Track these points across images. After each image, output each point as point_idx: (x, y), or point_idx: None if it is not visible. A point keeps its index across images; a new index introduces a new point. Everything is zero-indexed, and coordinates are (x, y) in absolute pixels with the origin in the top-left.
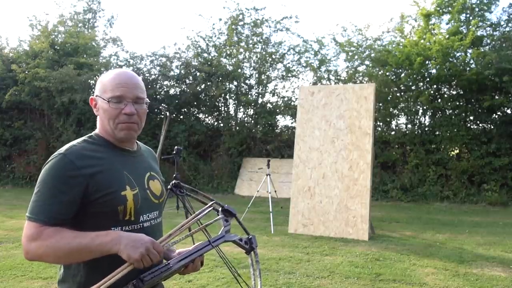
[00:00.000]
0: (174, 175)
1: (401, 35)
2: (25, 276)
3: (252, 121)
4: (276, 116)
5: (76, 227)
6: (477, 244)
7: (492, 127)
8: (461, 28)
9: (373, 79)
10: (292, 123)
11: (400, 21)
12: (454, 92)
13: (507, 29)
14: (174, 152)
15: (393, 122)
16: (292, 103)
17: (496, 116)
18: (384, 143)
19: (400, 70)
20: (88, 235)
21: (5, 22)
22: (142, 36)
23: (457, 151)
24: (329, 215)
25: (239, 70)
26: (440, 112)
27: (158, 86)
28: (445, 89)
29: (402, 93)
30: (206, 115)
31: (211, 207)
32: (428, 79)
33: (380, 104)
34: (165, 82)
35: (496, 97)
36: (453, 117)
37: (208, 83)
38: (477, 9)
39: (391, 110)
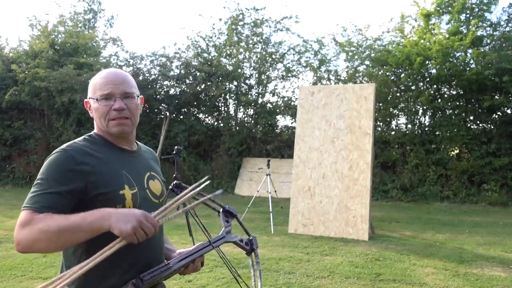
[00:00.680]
0: (174, 175)
1: (401, 35)
2: (25, 276)
3: (252, 121)
4: (276, 116)
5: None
6: (477, 244)
7: (492, 127)
8: (461, 28)
9: (373, 79)
10: (292, 123)
11: (400, 21)
12: (454, 92)
13: (507, 29)
14: (174, 152)
15: (393, 122)
16: (292, 103)
17: (496, 116)
18: (384, 143)
19: (400, 70)
20: (78, 215)
21: (5, 22)
22: (142, 36)
23: (457, 151)
24: (329, 215)
25: (239, 70)
26: (440, 112)
27: (158, 86)
28: (445, 89)
29: (402, 93)
30: (206, 115)
31: (206, 182)
32: (428, 79)
33: (380, 104)
34: (165, 82)
35: (496, 97)
36: (453, 117)
37: (208, 83)
38: (477, 9)
39: (391, 110)
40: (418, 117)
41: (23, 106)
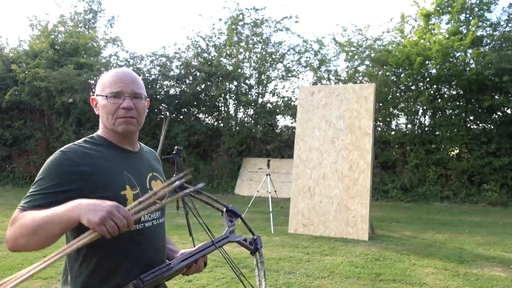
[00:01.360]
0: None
1: (401, 35)
2: None
3: (252, 121)
4: (276, 116)
5: (75, 227)
6: (477, 244)
7: (492, 127)
8: (461, 28)
9: (373, 79)
10: (292, 123)
11: (400, 21)
12: (454, 92)
13: (507, 29)
14: (174, 152)
15: (393, 122)
16: (292, 103)
17: (496, 116)
18: (384, 143)
19: (400, 70)
20: (53, 209)
21: (5, 22)
22: (142, 36)
23: (457, 151)
24: (329, 215)
25: (239, 70)
26: (440, 112)
27: (158, 86)
28: (445, 89)
29: (402, 93)
30: (206, 115)
31: (187, 176)
32: (428, 79)
33: (380, 104)
34: (165, 82)
35: (496, 97)
36: (453, 117)
37: (208, 83)
38: (477, 9)
39: (391, 110)
40: (418, 117)
41: (23, 106)
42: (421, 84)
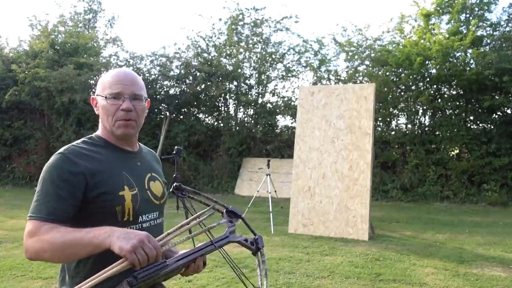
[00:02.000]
0: (174, 175)
1: (401, 35)
2: (25, 276)
3: (252, 121)
4: (276, 116)
5: (76, 227)
6: (477, 244)
7: (492, 127)
8: (461, 28)
9: (373, 79)
10: (292, 123)
11: (400, 21)
12: (454, 92)
13: (507, 29)
14: (174, 152)
15: (393, 122)
16: (292, 103)
17: (496, 116)
18: (384, 143)
19: (400, 70)
20: (83, 230)
21: (5, 22)
22: (142, 36)
23: (457, 151)
24: (329, 215)
25: (239, 70)
26: (440, 112)
27: (158, 86)
28: (445, 89)
29: (402, 93)
30: (206, 115)
31: (213, 210)
32: (428, 79)
33: (380, 104)
34: (165, 82)
35: (496, 97)
36: (453, 117)
37: (208, 83)
38: (477, 9)
39: (391, 110)
40: (418, 117)
41: (23, 106)
42: (421, 84)
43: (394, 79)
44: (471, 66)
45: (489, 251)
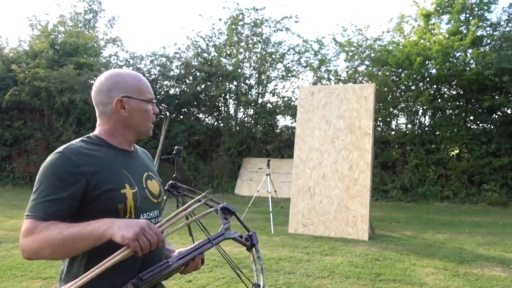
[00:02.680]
0: (174, 175)
1: (401, 35)
2: (25, 276)
3: (252, 121)
4: (276, 116)
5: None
6: (477, 244)
7: (492, 127)
8: (461, 28)
9: (373, 79)
10: (292, 123)
11: (400, 21)
12: (454, 92)
13: (507, 29)
14: (174, 152)
15: (393, 122)
16: (292, 103)
17: (496, 116)
18: (384, 143)
19: (400, 70)
20: (81, 224)
21: (5, 22)
22: (142, 36)
23: (457, 151)
24: (329, 215)
25: (239, 70)
26: (440, 112)
27: (158, 86)
28: (445, 89)
29: (402, 93)
30: (206, 115)
31: (204, 200)
32: (428, 79)
33: (380, 104)
34: (165, 82)
35: (496, 97)
36: (453, 117)
37: (208, 83)
38: (477, 9)
39: (391, 110)
40: (418, 117)
41: (23, 106)
42: (421, 84)
43: (394, 79)
44: (471, 66)
45: (489, 251)
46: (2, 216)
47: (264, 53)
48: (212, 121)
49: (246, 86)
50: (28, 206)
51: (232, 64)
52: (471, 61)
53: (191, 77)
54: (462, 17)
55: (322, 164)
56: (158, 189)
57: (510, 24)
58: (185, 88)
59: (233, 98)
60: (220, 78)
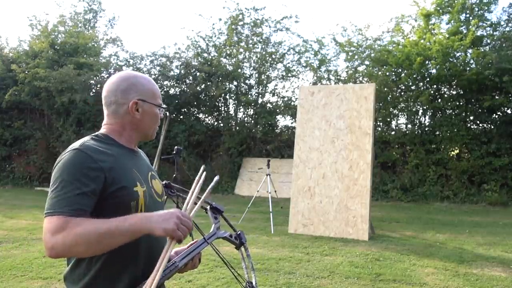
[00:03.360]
0: (174, 175)
1: (401, 35)
2: (25, 276)
3: (252, 121)
4: (276, 116)
5: None
6: (477, 244)
7: (492, 127)
8: (461, 28)
9: (373, 79)
10: (292, 123)
11: (400, 21)
12: (454, 92)
13: (507, 29)
14: (174, 152)
15: (393, 122)
16: (292, 103)
17: (496, 116)
18: (384, 143)
19: (400, 70)
20: (115, 219)
21: (5, 22)
22: (142, 36)
23: (457, 151)
24: (329, 215)
25: (239, 70)
26: (440, 112)
27: (158, 86)
28: (445, 89)
29: (402, 93)
30: (206, 115)
31: (203, 172)
32: (428, 79)
33: (380, 104)
34: (165, 82)
35: (496, 97)
36: (453, 117)
37: (208, 83)
38: (477, 9)
39: (391, 110)
40: (418, 117)
41: (23, 106)
42: (421, 84)
43: (394, 79)
44: (471, 66)
45: (489, 251)
46: (2, 216)
47: (264, 53)
48: (212, 121)
49: (246, 86)
50: (50, 203)
51: (232, 64)
52: (471, 61)
53: (191, 77)
54: (462, 17)
55: (322, 164)
56: (161, 188)
57: (510, 24)
58: (185, 88)
59: (233, 98)
60: (220, 78)
